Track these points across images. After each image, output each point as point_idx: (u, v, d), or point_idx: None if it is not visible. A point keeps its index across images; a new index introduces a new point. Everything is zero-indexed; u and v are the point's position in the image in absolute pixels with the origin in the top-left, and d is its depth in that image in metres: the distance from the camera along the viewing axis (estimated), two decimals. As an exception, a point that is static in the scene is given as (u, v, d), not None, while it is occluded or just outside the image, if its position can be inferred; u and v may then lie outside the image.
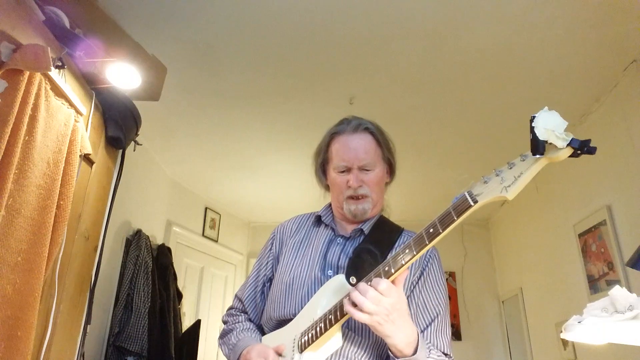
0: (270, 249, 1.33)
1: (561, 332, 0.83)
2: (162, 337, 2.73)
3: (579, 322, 0.79)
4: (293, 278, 1.18)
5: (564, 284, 2.83)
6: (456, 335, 4.08)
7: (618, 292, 0.77)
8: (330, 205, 1.32)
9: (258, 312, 1.29)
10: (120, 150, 1.95)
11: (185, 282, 3.60)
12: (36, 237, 1.32)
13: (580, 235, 2.60)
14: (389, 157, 1.27)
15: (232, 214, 4.42)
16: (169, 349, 2.74)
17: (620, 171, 2.26)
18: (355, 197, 1.20)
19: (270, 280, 1.29)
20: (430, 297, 1.12)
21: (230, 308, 1.36)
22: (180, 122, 2.82)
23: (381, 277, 0.94)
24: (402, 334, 0.94)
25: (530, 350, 3.40)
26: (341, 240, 1.22)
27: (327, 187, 1.32)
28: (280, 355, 1.06)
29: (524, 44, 2.06)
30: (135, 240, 2.81)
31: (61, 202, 1.45)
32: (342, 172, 1.22)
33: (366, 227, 1.22)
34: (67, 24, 1.57)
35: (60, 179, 1.44)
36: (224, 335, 1.28)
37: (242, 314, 1.32)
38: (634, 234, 2.15)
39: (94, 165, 1.74)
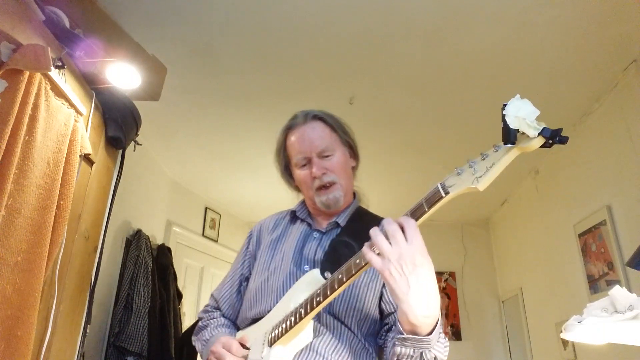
0: (247, 248, 1.32)
1: (561, 332, 0.83)
2: (162, 337, 2.73)
3: (579, 322, 0.79)
4: (268, 275, 1.16)
5: (564, 284, 2.83)
6: (456, 335, 4.08)
7: (618, 292, 0.77)
8: (304, 201, 1.29)
9: (234, 311, 1.27)
10: (120, 150, 1.95)
11: (185, 282, 3.60)
12: (36, 237, 1.32)
13: (580, 235, 2.60)
14: (347, 140, 1.23)
15: (232, 214, 4.42)
16: (169, 349, 2.74)
17: (620, 171, 2.26)
18: (324, 187, 1.16)
19: (247, 279, 1.27)
20: None
21: (206, 306, 1.34)
22: (180, 122, 2.82)
23: (352, 270, 0.86)
24: (418, 303, 0.77)
25: (530, 350, 3.40)
26: (317, 234, 1.19)
27: (297, 189, 1.29)
28: (244, 346, 1.05)
29: (524, 44, 2.06)
30: (135, 240, 2.81)
31: (61, 202, 1.45)
32: (304, 165, 1.19)
33: (341, 220, 1.19)
34: (67, 24, 1.57)
35: (60, 179, 1.44)
36: (198, 332, 1.26)
37: (217, 310, 1.30)
38: (634, 234, 2.15)
39: (94, 165, 1.74)
